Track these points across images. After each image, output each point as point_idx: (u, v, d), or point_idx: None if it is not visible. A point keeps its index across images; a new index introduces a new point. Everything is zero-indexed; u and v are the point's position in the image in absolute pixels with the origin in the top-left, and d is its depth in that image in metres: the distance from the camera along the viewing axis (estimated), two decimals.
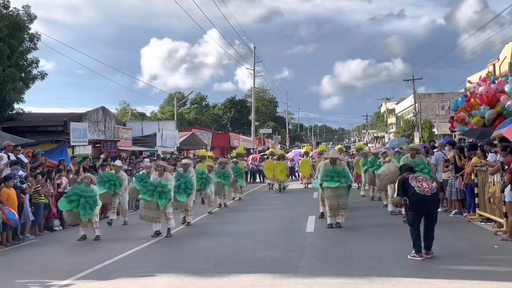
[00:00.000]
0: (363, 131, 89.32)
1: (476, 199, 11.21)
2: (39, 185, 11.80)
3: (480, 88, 16.06)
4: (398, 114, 72.34)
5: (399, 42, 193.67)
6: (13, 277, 7.65)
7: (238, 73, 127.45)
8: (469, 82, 17.33)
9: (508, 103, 15.14)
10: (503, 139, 11.32)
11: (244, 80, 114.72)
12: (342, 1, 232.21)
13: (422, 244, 7.56)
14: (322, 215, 11.97)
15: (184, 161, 13.49)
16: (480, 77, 17.33)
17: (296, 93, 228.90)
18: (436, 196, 7.84)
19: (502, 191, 9.20)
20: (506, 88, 15.70)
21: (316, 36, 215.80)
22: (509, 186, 8.81)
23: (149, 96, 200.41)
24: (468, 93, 17.15)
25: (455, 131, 18.31)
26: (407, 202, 7.69)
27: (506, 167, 8.89)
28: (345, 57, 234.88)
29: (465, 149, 12.06)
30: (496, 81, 16.77)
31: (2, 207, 9.92)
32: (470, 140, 15.43)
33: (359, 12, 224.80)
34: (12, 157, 11.76)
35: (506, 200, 8.97)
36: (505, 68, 30.39)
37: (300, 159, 27.29)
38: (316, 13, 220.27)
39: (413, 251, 7.54)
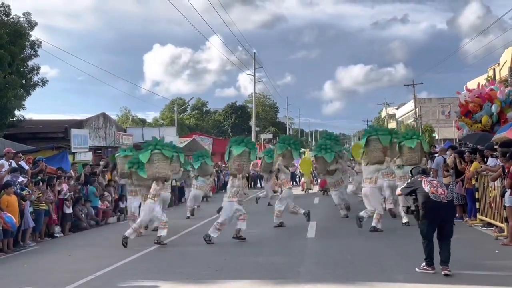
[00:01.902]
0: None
1: (477, 204, 11.21)
2: (40, 192, 11.80)
3: (472, 93, 16.05)
4: (399, 119, 72.35)
5: (401, 47, 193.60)
6: (14, 284, 7.64)
7: (240, 78, 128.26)
8: (458, 93, 17.14)
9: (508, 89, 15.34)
10: (503, 144, 11.31)
11: (246, 85, 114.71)
12: (345, 7, 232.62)
13: (437, 258, 6.92)
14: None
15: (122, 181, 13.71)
16: (466, 86, 17.24)
17: (297, 98, 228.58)
18: (452, 203, 7.22)
19: (502, 195, 9.20)
20: (495, 88, 15.96)
21: (319, 41, 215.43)
22: (509, 190, 8.81)
23: (151, 103, 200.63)
24: (461, 102, 16.78)
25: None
26: (418, 209, 7.00)
27: (507, 171, 8.89)
28: (347, 62, 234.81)
29: (466, 153, 12.08)
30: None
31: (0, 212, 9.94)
32: (470, 145, 15.39)
33: (362, 18, 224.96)
34: (13, 164, 11.76)
35: (506, 205, 8.97)
36: (505, 72, 30.34)
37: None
38: (319, 19, 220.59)
39: (424, 264, 6.94)
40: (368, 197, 11.19)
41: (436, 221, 6.87)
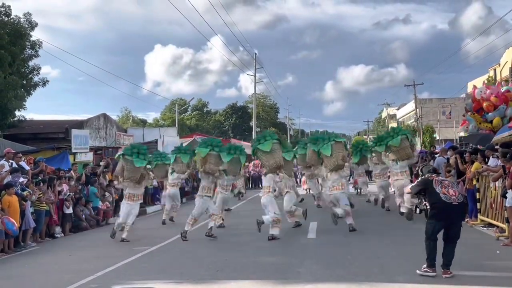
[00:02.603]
0: (364, 136, 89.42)
1: (478, 204, 11.19)
2: (41, 192, 11.81)
3: (490, 91, 15.56)
4: (399, 120, 72.37)
5: (402, 47, 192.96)
6: (14, 285, 7.64)
7: (241, 79, 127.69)
8: (475, 88, 16.58)
9: None
10: (504, 144, 11.31)
11: (248, 86, 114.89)
12: (346, 7, 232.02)
13: (439, 261, 6.78)
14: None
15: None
16: (484, 82, 16.67)
17: (298, 98, 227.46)
18: (462, 205, 6.98)
19: (503, 196, 9.19)
20: (511, 89, 15.47)
21: (320, 41, 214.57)
22: (510, 191, 8.79)
23: (152, 103, 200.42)
24: (476, 97, 16.09)
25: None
26: (427, 208, 6.90)
27: (507, 171, 8.88)
28: (348, 62, 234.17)
29: (466, 154, 12.06)
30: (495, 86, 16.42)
31: (2, 216, 9.92)
32: (471, 145, 15.33)
33: (363, 18, 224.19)
34: (14, 164, 11.76)
35: (507, 205, 8.95)
36: (506, 73, 30.35)
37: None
38: (321, 19, 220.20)
39: (425, 265, 6.74)
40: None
41: (445, 223, 6.71)
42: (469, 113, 16.33)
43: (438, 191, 6.73)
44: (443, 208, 6.65)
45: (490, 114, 15.01)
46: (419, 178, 7.55)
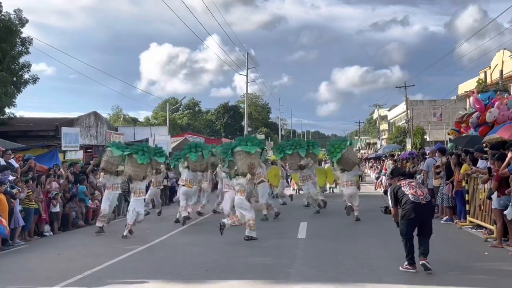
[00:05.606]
0: (355, 137, 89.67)
1: (467, 205, 11.27)
2: (30, 190, 11.71)
3: (499, 111, 13.66)
4: (390, 121, 72.62)
5: (398, 49, 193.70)
6: (2, 283, 7.57)
7: (236, 79, 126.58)
8: (484, 106, 14.53)
9: None
10: (493, 147, 11.38)
11: (242, 86, 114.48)
12: (343, 9, 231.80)
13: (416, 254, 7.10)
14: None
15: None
16: (497, 104, 14.68)
17: (293, 99, 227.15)
18: (430, 203, 7.42)
19: (489, 197, 9.27)
20: None
21: (317, 43, 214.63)
22: (496, 193, 8.86)
23: (144, 102, 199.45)
24: (482, 119, 14.28)
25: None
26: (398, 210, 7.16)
27: (494, 173, 8.95)
28: (343, 63, 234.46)
29: (462, 156, 12.03)
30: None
31: None
32: (459, 147, 15.32)
33: (359, 20, 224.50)
34: (2, 162, 11.66)
35: (493, 206, 9.03)
36: (496, 75, 30.57)
37: None
38: (318, 21, 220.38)
39: (406, 263, 7.10)
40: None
41: (417, 221, 7.08)
42: (471, 130, 15.52)
43: (407, 192, 7.15)
44: (412, 207, 7.02)
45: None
46: (388, 189, 7.91)
